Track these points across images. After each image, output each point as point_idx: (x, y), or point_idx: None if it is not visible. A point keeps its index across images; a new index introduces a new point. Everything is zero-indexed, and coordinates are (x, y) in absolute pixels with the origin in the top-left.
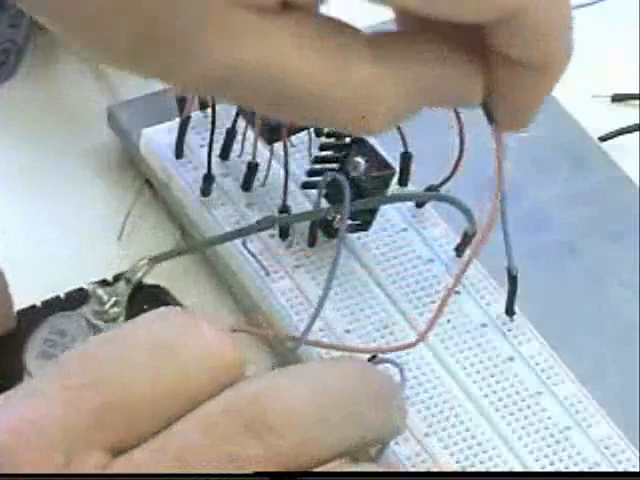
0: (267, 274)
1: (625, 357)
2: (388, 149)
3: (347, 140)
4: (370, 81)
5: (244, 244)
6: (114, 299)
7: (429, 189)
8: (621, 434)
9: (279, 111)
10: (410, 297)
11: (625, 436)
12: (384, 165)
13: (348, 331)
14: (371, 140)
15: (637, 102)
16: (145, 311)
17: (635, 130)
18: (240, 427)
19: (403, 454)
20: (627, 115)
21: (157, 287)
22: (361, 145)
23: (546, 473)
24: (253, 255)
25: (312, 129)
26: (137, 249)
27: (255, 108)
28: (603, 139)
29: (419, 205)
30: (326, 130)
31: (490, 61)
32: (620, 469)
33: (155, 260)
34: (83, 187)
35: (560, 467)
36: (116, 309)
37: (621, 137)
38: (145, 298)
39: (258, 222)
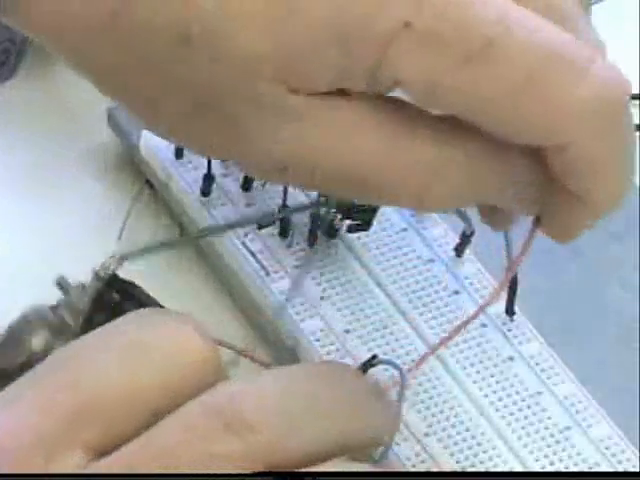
0: (267, 274)
1: (625, 357)
2: None
3: None
4: (430, 163)
5: (244, 243)
6: (80, 292)
7: None
8: (621, 434)
9: (337, 192)
10: (410, 297)
11: (625, 436)
12: None
13: (348, 331)
14: None
15: (637, 102)
16: (113, 307)
17: (635, 130)
18: (220, 426)
19: (403, 454)
20: None
21: (129, 283)
22: None
23: (546, 473)
24: (253, 254)
25: None
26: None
27: (312, 189)
28: None
29: None
30: None
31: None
32: (620, 469)
33: (125, 257)
34: (83, 187)
35: (560, 467)
36: (84, 300)
37: None
38: (116, 293)
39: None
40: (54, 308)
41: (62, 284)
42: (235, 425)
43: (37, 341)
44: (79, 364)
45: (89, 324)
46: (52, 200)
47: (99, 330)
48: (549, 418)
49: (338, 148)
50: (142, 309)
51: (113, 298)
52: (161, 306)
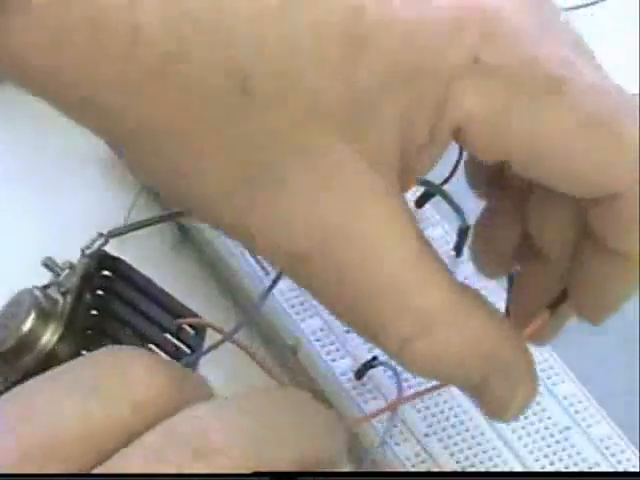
0: (267, 274)
1: (625, 357)
2: None
3: None
4: (441, 308)
5: None
6: (68, 270)
7: (429, 189)
8: (621, 434)
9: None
10: None
11: (625, 436)
12: None
13: (348, 331)
14: None
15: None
16: (103, 285)
17: None
18: (188, 451)
19: (403, 454)
20: None
21: (118, 260)
22: None
23: (546, 473)
24: (253, 255)
25: None
26: (137, 249)
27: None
28: None
29: (419, 205)
30: None
31: (582, 251)
32: (620, 469)
33: (112, 234)
34: (83, 187)
35: (560, 467)
36: (73, 279)
37: None
38: (105, 271)
39: None
40: (44, 289)
41: (49, 265)
42: (203, 450)
43: (27, 324)
44: (39, 400)
45: (78, 302)
46: (52, 200)
47: (56, 368)
48: (549, 418)
49: (364, 248)
50: (99, 350)
51: (102, 276)
52: (152, 282)
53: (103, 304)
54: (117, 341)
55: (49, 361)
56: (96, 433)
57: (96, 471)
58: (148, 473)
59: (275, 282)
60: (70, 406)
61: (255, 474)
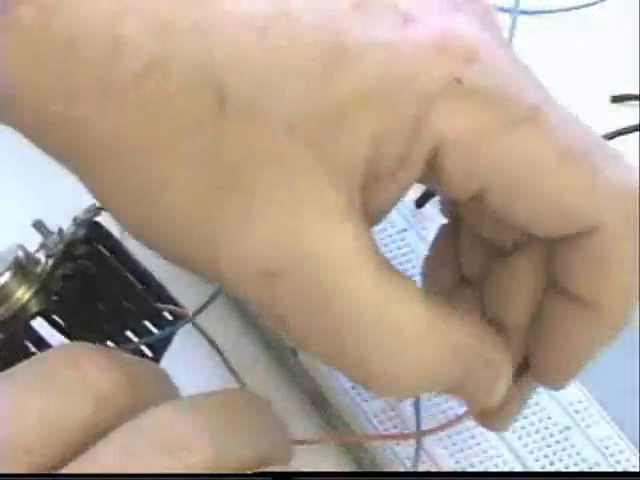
0: None
1: (625, 357)
2: None
3: None
4: (411, 325)
5: None
6: (56, 235)
7: (429, 189)
8: (621, 434)
9: (309, 322)
10: None
11: (625, 436)
12: None
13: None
14: None
15: (637, 103)
16: (86, 250)
17: (635, 131)
18: (157, 448)
19: (403, 454)
20: (627, 116)
21: (106, 231)
22: None
23: (546, 473)
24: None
25: None
26: (138, 248)
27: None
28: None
29: (419, 205)
30: None
31: (544, 311)
32: (620, 469)
33: (102, 207)
34: (83, 187)
35: (560, 467)
36: (60, 246)
37: (621, 138)
38: (94, 241)
39: None
40: (26, 249)
41: (38, 227)
42: (170, 446)
43: (2, 278)
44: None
45: (58, 266)
46: (52, 200)
47: (12, 368)
48: (549, 418)
49: (332, 267)
50: (55, 348)
51: (89, 245)
52: (136, 261)
53: (82, 272)
54: (85, 314)
55: (21, 315)
56: (58, 429)
57: (67, 469)
58: (144, 473)
59: None
60: (30, 403)
61: (255, 474)
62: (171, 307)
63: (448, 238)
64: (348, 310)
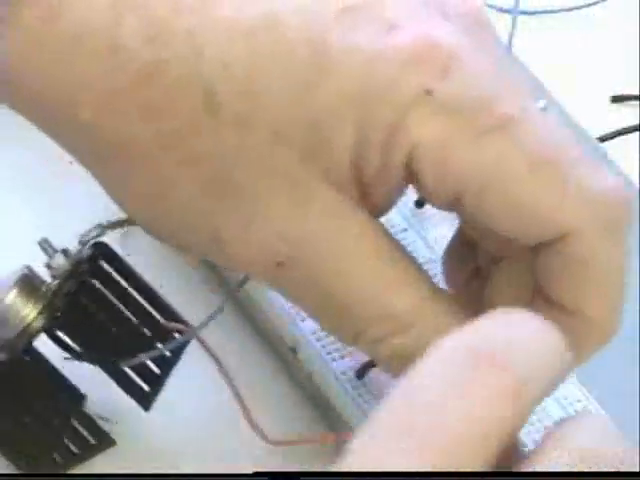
0: None
1: (625, 357)
2: None
3: None
4: (413, 310)
5: None
6: (60, 254)
7: None
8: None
9: (316, 310)
10: None
11: (625, 436)
12: None
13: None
14: None
15: (637, 103)
16: (91, 267)
17: (635, 131)
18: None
19: None
20: (627, 116)
21: (111, 250)
22: None
23: (546, 473)
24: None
25: None
26: (138, 250)
27: (297, 303)
28: (603, 140)
29: (419, 205)
30: None
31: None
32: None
33: (110, 226)
34: (83, 188)
35: None
36: (65, 265)
37: (621, 138)
38: (100, 260)
39: None
40: (31, 269)
41: (43, 246)
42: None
43: (9, 297)
44: None
45: (64, 285)
46: (52, 200)
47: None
48: (549, 418)
49: (343, 261)
50: None
51: (94, 265)
52: (143, 280)
53: (87, 289)
54: (87, 330)
55: (25, 334)
56: None
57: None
58: (147, 473)
59: None
60: None
61: (255, 474)
62: (177, 325)
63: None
64: (349, 294)
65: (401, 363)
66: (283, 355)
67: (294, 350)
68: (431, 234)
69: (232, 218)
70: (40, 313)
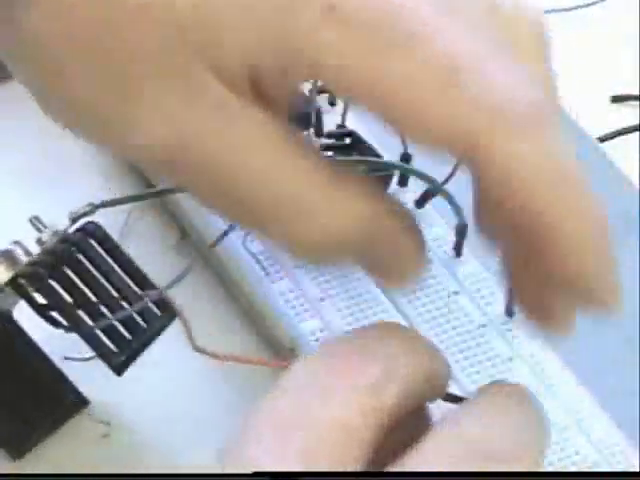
0: (267, 274)
1: (625, 357)
2: (388, 150)
3: (347, 141)
4: (320, 204)
5: (243, 244)
6: (53, 230)
7: (429, 189)
8: (621, 434)
9: (215, 201)
10: (409, 297)
11: (625, 436)
12: None
13: (348, 332)
14: (371, 141)
15: (637, 103)
16: (79, 245)
17: (634, 131)
18: None
19: None
20: (626, 116)
21: (96, 224)
22: (361, 146)
23: (546, 473)
24: (253, 255)
25: (312, 130)
26: (138, 250)
27: (196, 195)
28: (602, 140)
29: (419, 205)
30: (326, 130)
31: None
32: (620, 469)
33: (99, 205)
34: (83, 188)
35: (559, 467)
36: (53, 240)
37: (620, 138)
38: (83, 235)
39: None
40: (20, 244)
41: (34, 222)
42: None
43: None
44: None
45: (46, 257)
46: (52, 200)
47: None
48: (548, 418)
49: (234, 153)
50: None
51: (82, 241)
52: (125, 255)
53: (70, 262)
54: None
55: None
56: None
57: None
58: (149, 473)
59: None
60: None
61: (255, 474)
62: (153, 293)
63: None
64: (250, 187)
65: (311, 254)
66: (283, 355)
67: (293, 350)
68: (431, 234)
69: (122, 106)
70: (18, 276)
